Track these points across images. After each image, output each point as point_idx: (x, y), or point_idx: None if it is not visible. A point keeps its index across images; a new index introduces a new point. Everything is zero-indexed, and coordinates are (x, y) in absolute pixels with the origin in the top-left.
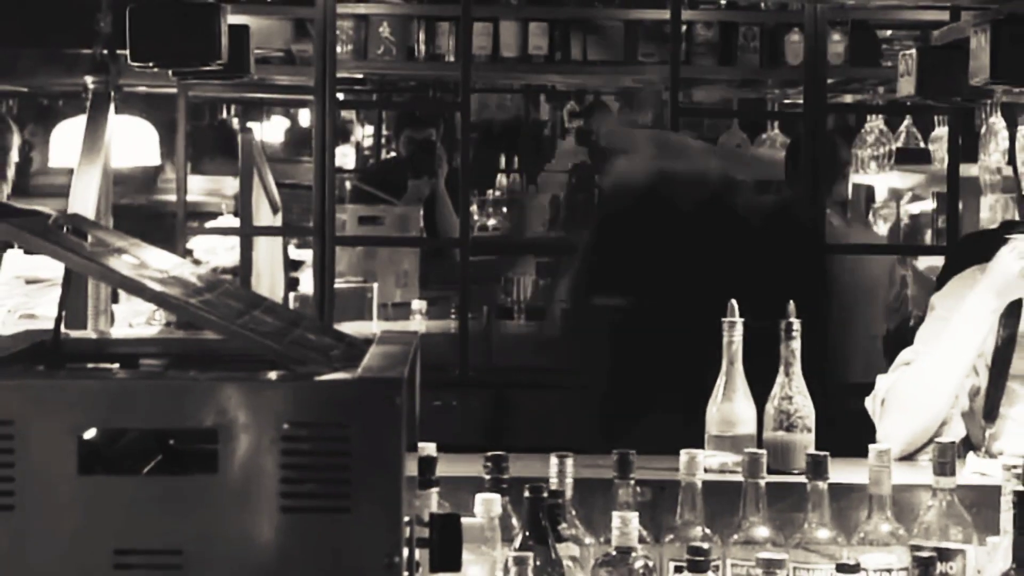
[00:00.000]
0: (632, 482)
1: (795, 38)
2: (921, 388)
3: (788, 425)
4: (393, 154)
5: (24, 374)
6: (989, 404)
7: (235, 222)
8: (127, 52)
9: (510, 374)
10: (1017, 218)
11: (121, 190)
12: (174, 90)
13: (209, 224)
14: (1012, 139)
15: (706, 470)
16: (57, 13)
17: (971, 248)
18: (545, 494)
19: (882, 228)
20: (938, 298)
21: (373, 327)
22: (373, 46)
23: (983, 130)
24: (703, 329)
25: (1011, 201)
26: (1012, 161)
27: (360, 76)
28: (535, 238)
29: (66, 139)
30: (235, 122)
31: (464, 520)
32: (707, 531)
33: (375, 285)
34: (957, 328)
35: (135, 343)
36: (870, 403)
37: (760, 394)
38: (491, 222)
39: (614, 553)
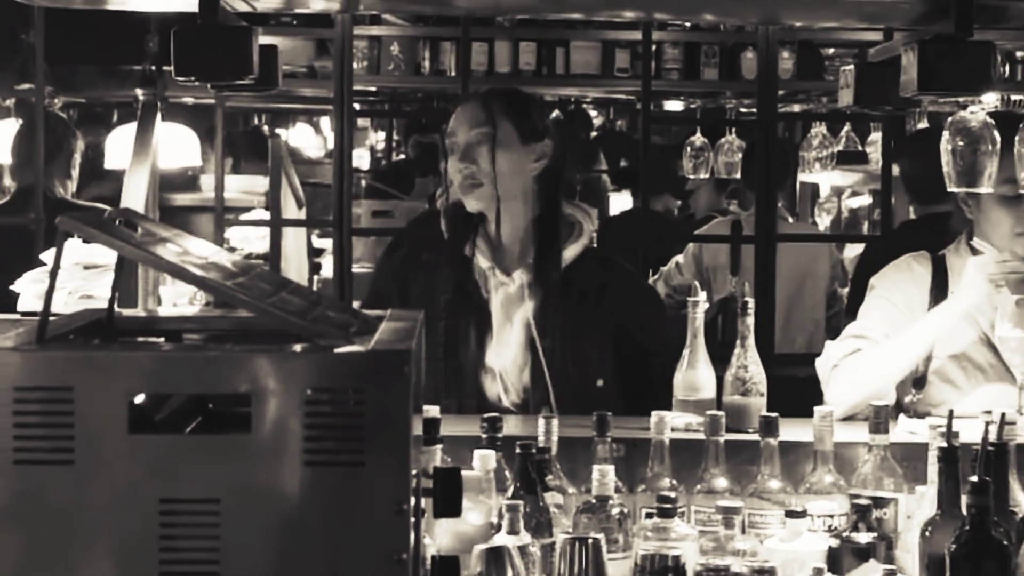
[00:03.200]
0: (609, 440)
1: (749, 55)
2: (879, 366)
3: (744, 390)
4: (402, 156)
5: (82, 346)
6: (919, 373)
7: (265, 215)
8: (172, 68)
9: None
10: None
11: (166, 188)
12: (213, 101)
13: (243, 217)
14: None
15: (673, 429)
16: (112, 34)
17: (903, 237)
18: (534, 450)
19: (825, 220)
20: (877, 279)
21: None
22: (385, 63)
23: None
24: None
25: None
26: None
27: (374, 89)
28: None
29: (119, 144)
30: (265, 129)
31: (464, 473)
32: (674, 482)
33: None
34: (923, 327)
35: (179, 320)
36: (820, 365)
37: None
38: None
39: (593, 501)
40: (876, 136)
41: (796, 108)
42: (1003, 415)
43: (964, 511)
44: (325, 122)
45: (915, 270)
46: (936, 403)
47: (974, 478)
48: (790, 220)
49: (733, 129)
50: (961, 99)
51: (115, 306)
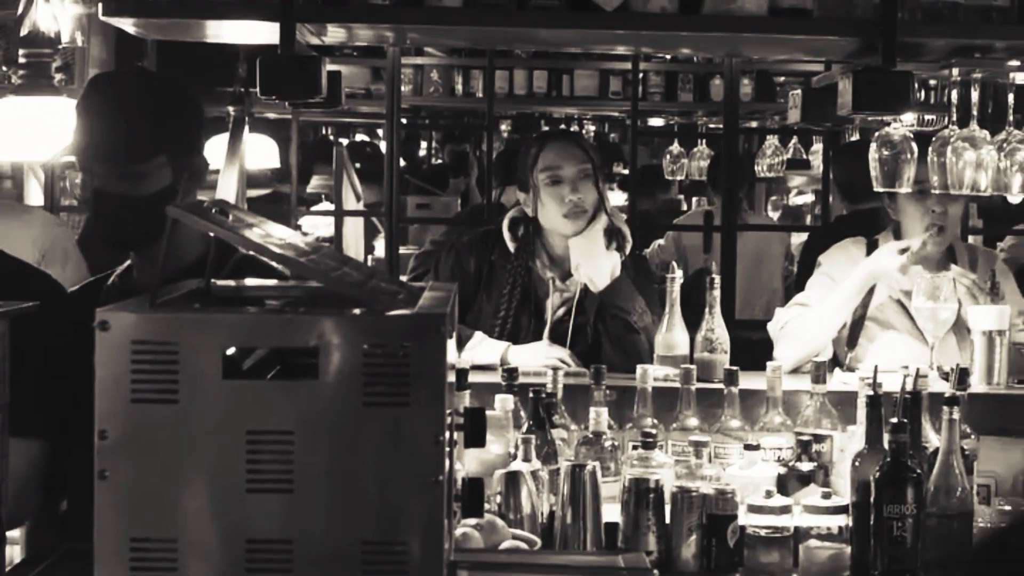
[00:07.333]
0: (604, 387)
1: (717, 82)
2: (813, 327)
3: (711, 348)
4: (440, 161)
5: (186, 310)
6: (851, 335)
7: (331, 207)
8: (257, 89)
9: None
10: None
11: (252, 184)
12: (289, 116)
13: (313, 208)
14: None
15: (655, 379)
16: (208, 62)
17: (837, 228)
18: (544, 395)
19: (775, 214)
20: (824, 258)
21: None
22: (426, 86)
23: None
24: None
25: None
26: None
27: (418, 106)
28: None
29: (215, 150)
30: (331, 138)
31: (488, 412)
32: (655, 421)
33: None
34: (842, 292)
35: (262, 289)
36: (772, 328)
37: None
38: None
39: (591, 436)
40: (818, 147)
41: (754, 124)
42: (917, 370)
43: (886, 446)
44: (379, 133)
45: (852, 252)
46: (864, 360)
47: (894, 420)
48: (749, 213)
49: (703, 141)
50: (886, 118)
51: (211, 278)
